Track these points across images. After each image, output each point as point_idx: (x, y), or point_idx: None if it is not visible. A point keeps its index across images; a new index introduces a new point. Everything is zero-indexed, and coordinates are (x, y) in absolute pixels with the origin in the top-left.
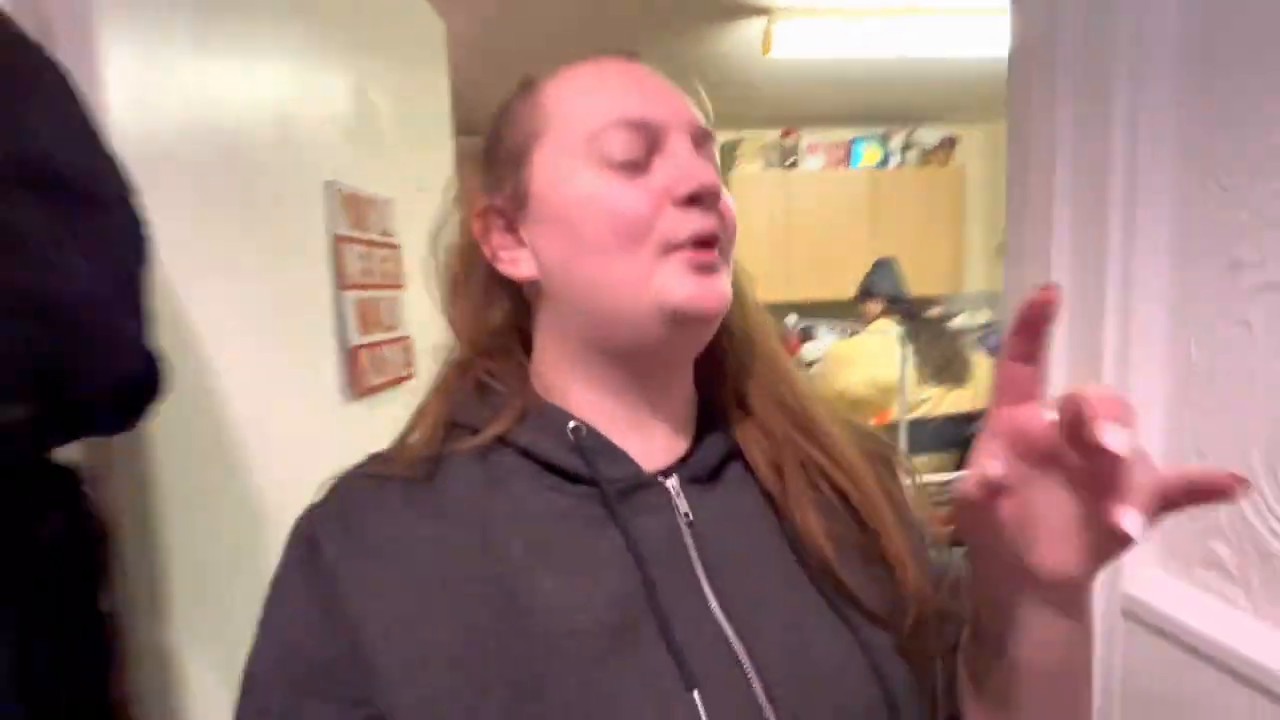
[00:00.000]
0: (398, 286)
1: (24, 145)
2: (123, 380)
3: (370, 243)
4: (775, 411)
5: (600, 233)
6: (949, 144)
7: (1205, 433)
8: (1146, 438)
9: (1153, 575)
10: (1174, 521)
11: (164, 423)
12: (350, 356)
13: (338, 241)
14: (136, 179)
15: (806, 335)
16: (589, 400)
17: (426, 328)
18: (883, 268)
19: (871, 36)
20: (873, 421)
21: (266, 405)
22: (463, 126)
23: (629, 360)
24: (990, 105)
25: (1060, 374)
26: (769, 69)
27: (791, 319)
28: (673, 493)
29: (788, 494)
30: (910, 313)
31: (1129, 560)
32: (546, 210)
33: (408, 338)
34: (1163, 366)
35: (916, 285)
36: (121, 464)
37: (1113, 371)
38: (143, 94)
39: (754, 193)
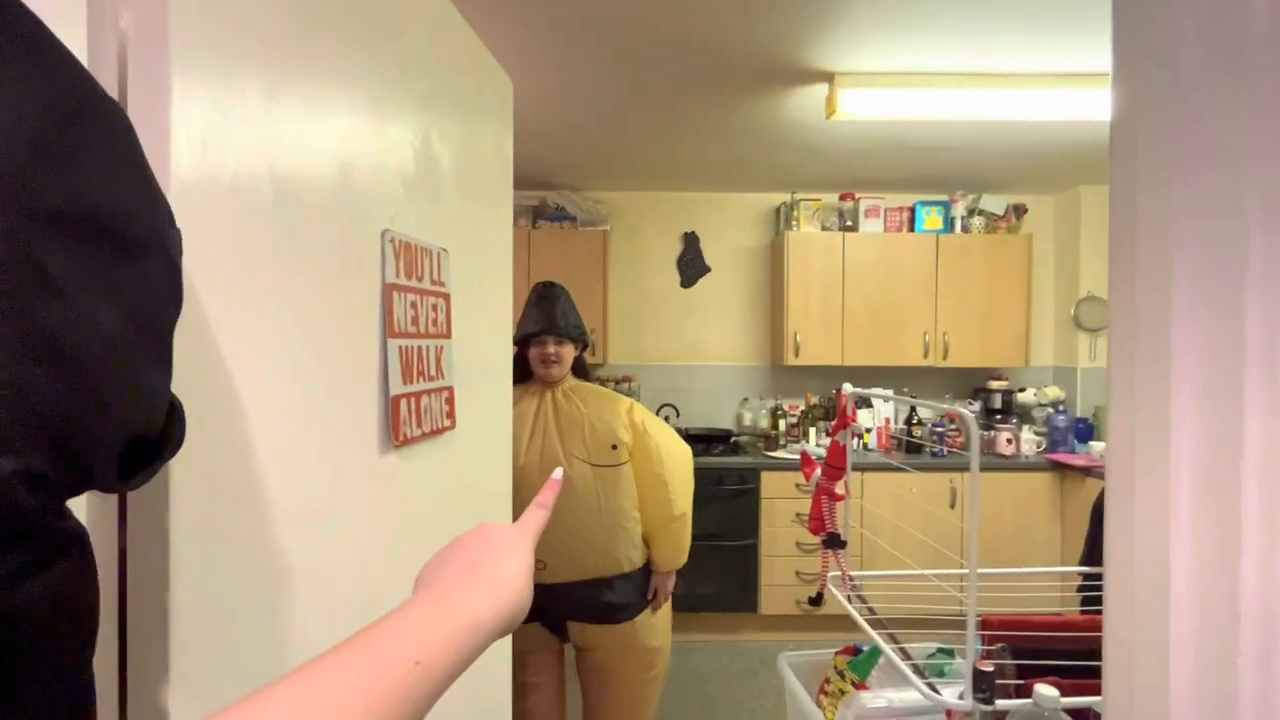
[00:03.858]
0: (445, 336)
1: (69, 185)
2: (137, 436)
3: (421, 291)
4: None
5: None
6: (1018, 211)
7: None
8: None
9: None
10: None
11: (187, 470)
12: (391, 406)
13: (389, 289)
14: (197, 220)
15: (863, 403)
16: None
17: (469, 377)
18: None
19: (936, 102)
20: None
21: (303, 454)
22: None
23: None
24: (1061, 174)
25: (1190, 471)
26: (831, 132)
27: (847, 387)
28: None
29: None
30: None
31: None
32: None
33: (451, 388)
34: None
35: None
36: (135, 512)
37: (1256, 481)
38: (209, 137)
39: (813, 253)
